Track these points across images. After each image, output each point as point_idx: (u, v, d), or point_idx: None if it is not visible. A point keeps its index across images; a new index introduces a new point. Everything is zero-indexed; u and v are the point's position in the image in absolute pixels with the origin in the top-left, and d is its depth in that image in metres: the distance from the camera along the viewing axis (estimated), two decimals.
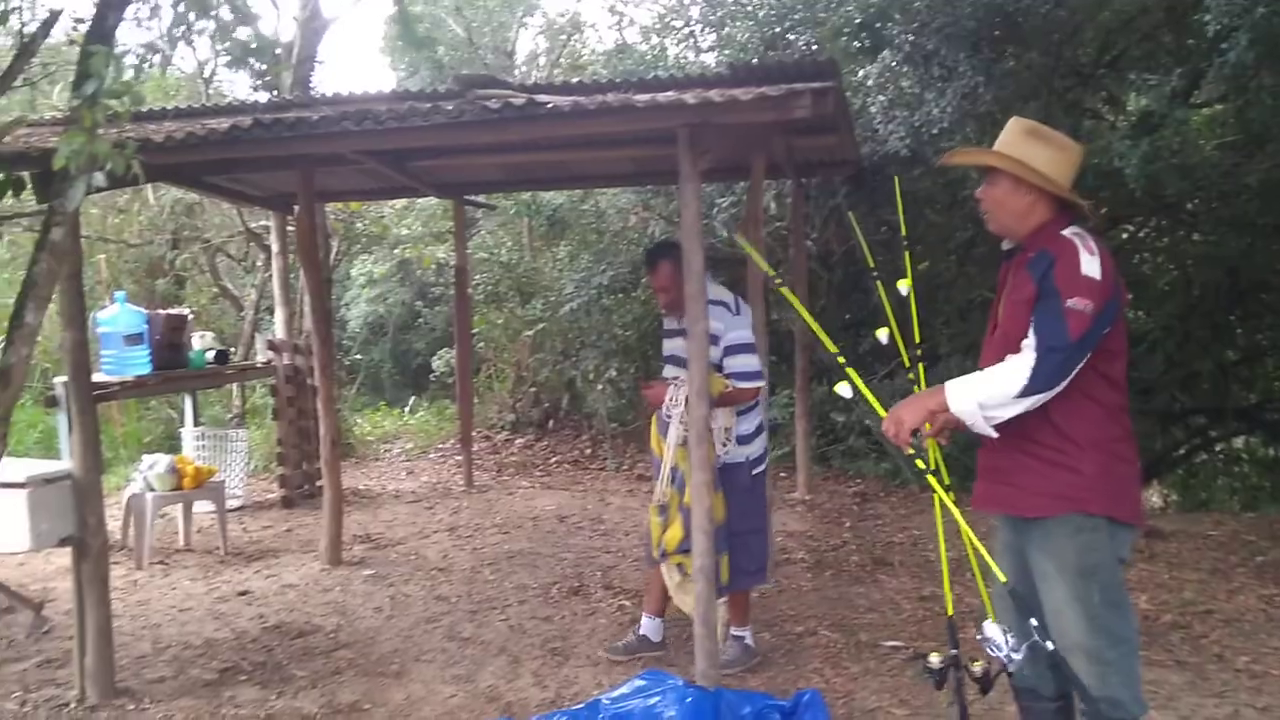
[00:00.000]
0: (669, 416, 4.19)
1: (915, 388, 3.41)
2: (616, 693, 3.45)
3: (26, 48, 3.67)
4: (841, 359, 3.06)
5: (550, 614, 5.29)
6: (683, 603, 4.26)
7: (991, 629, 2.93)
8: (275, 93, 8.05)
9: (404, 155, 6.34)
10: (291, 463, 8.07)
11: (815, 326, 3.17)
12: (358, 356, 14.68)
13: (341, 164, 6.16)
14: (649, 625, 4.58)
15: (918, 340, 3.44)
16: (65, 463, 4.54)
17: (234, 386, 10.18)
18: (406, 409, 13.25)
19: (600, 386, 9.74)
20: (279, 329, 8.53)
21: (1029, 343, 2.81)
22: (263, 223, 10.10)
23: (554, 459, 9.83)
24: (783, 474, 8.22)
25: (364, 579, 6.02)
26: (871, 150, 7.38)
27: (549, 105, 3.74)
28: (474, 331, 10.54)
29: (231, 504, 7.56)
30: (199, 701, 4.30)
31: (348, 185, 7.58)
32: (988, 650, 2.92)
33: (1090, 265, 2.87)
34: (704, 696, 3.36)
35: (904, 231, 3.55)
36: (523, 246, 11.63)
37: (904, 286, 3.42)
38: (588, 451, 9.90)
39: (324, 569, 6.22)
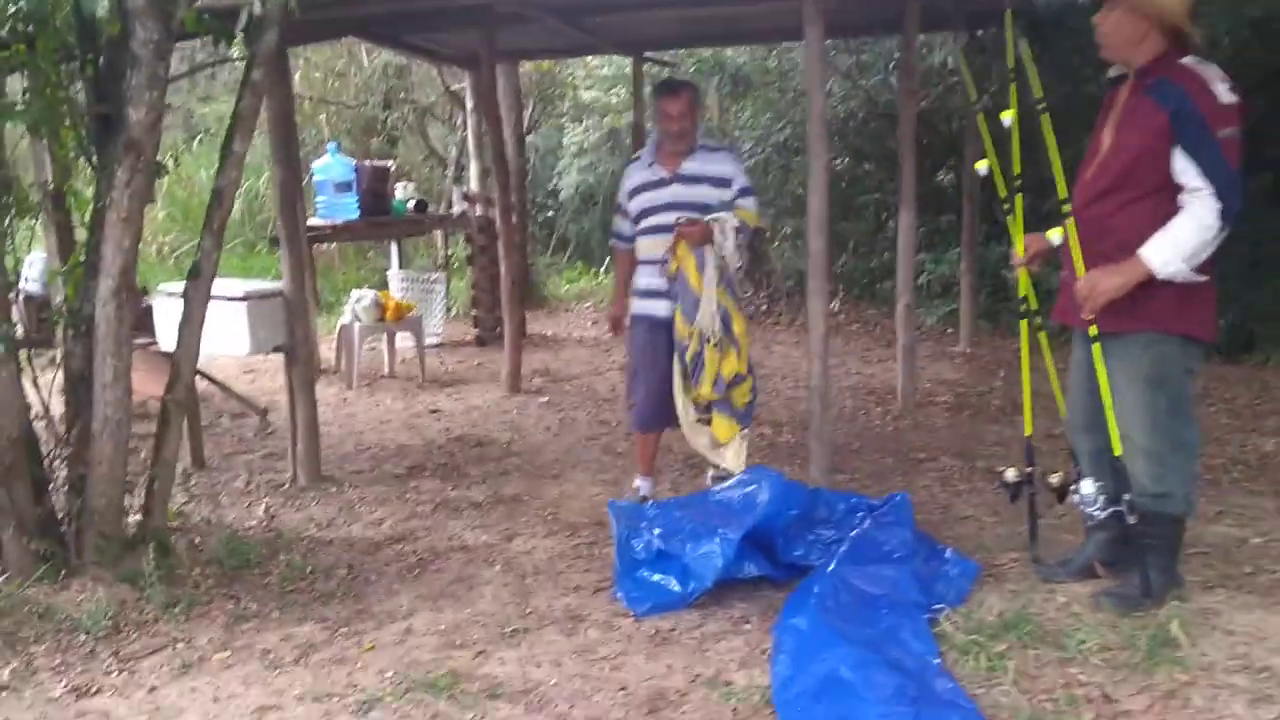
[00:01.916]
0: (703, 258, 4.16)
1: (1009, 218, 3.59)
2: (721, 486, 3.90)
3: None
4: (1066, 207, 3.29)
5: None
6: (722, 459, 4.38)
7: (1088, 486, 3.22)
8: None
9: (578, 10, 6.68)
10: (484, 305, 8.79)
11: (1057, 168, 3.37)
12: (571, 225, 15.22)
13: (522, 21, 6.59)
14: (644, 485, 4.69)
15: (1017, 173, 3.60)
16: (277, 284, 5.30)
17: (439, 238, 11.01)
18: (601, 269, 13.86)
19: (776, 243, 9.98)
20: (473, 182, 9.17)
21: (1199, 184, 2.98)
22: (462, 84, 10.73)
23: None
24: (948, 329, 8.33)
25: (538, 405, 6.67)
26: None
27: None
28: None
29: (431, 341, 8.38)
30: (388, 489, 5.05)
31: (533, 43, 8.00)
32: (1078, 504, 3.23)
33: (1225, 92, 3.00)
34: (797, 485, 3.76)
35: (1010, 64, 3.67)
36: (706, 106, 11.82)
37: (1007, 118, 3.57)
38: (764, 307, 10.22)
39: (504, 395, 6.92)
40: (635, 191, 4.39)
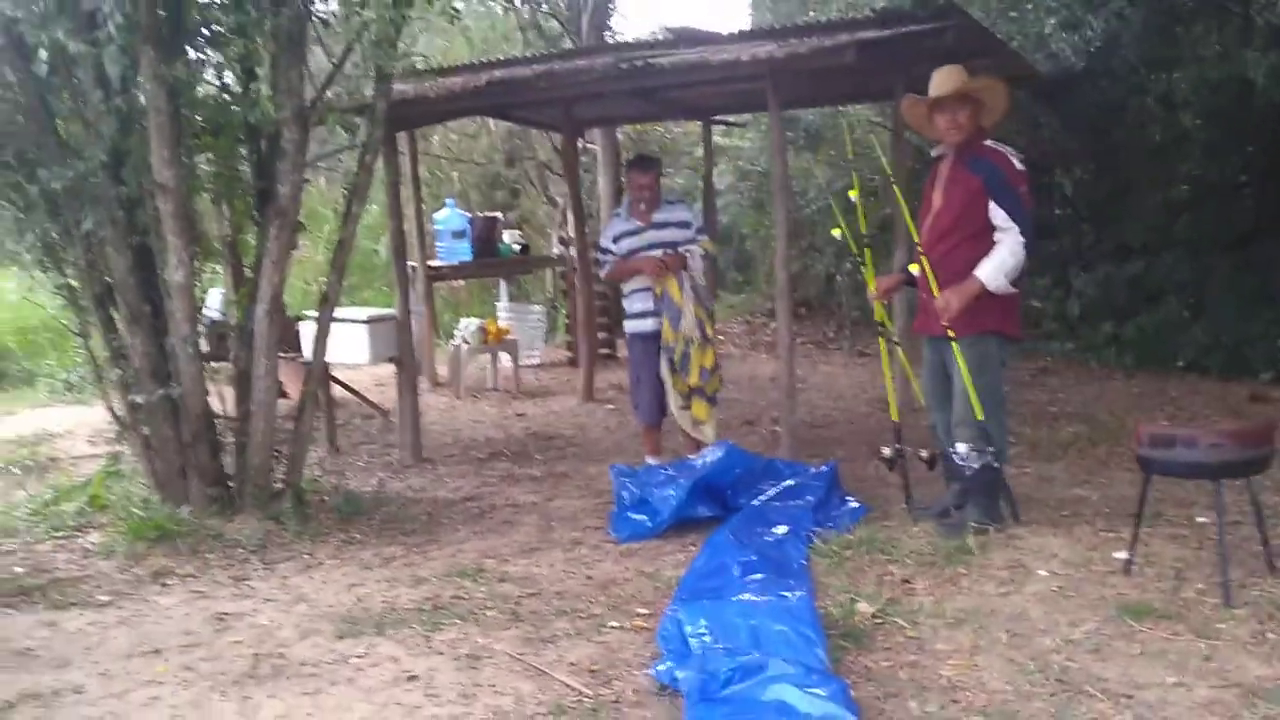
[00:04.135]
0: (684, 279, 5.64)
1: (862, 265, 4.91)
2: (696, 455, 5.24)
3: None
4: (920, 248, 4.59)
5: (727, 435, 7.07)
6: (702, 433, 5.72)
7: (962, 448, 4.40)
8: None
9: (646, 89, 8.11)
10: (576, 331, 10.28)
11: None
12: None
13: (594, 97, 8.07)
14: (653, 462, 5.96)
15: (863, 231, 4.94)
16: (389, 309, 6.92)
17: (548, 274, 12.63)
18: None
19: (839, 278, 11.18)
20: (570, 228, 10.71)
21: (1006, 225, 4.26)
22: (587, 144, 12.31)
23: (800, 339, 11.44)
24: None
25: (605, 411, 8.10)
26: (1054, 66, 8.28)
27: (648, 63, 5.47)
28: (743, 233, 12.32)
29: (530, 361, 9.92)
30: (469, 467, 6.55)
31: (610, 113, 9.48)
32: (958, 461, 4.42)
33: (1019, 162, 4.28)
34: (746, 452, 5.08)
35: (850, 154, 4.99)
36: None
37: (853, 195, 4.89)
38: (831, 334, 11.42)
39: (579, 403, 8.38)
40: (620, 237, 5.85)
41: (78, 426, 7.88)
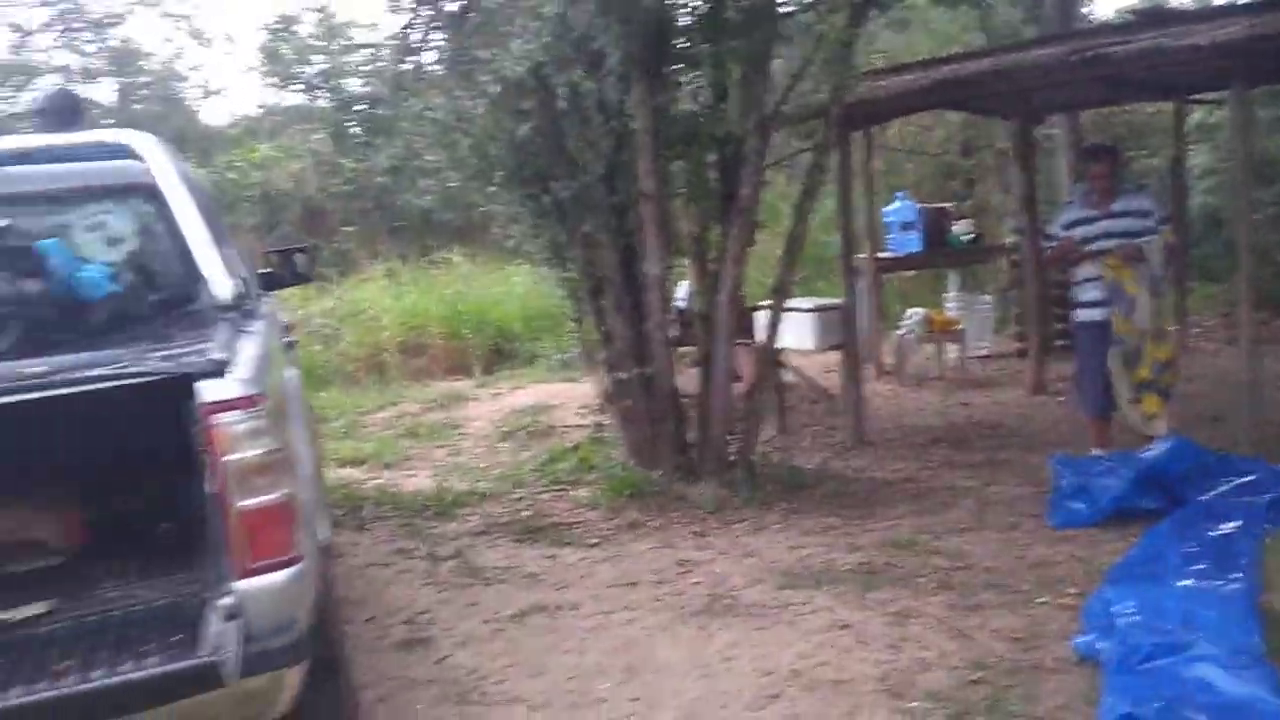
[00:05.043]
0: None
1: None
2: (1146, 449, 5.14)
3: None
4: None
5: (1184, 432, 6.73)
6: (1152, 428, 5.50)
7: None
8: None
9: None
10: (1027, 322, 10.09)
11: None
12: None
13: (1054, 85, 7.93)
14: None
15: None
16: (836, 299, 7.36)
17: (1004, 263, 12.42)
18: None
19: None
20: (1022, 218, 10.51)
21: None
22: (1047, 130, 11.96)
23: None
24: None
25: (1055, 403, 7.96)
26: None
27: (1098, 54, 5.36)
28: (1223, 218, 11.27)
29: (978, 352, 9.90)
30: (909, 451, 6.82)
31: (1071, 98, 9.18)
32: None
33: None
34: (1198, 447, 4.90)
35: None
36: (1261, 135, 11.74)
37: None
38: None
39: (1026, 395, 8.30)
40: (1071, 225, 5.80)
41: (569, 400, 9.14)
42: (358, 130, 18.26)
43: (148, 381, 2.55)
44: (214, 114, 20.69)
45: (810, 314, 7.14)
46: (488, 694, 3.66)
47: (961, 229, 9.91)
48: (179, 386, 2.55)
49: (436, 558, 5.21)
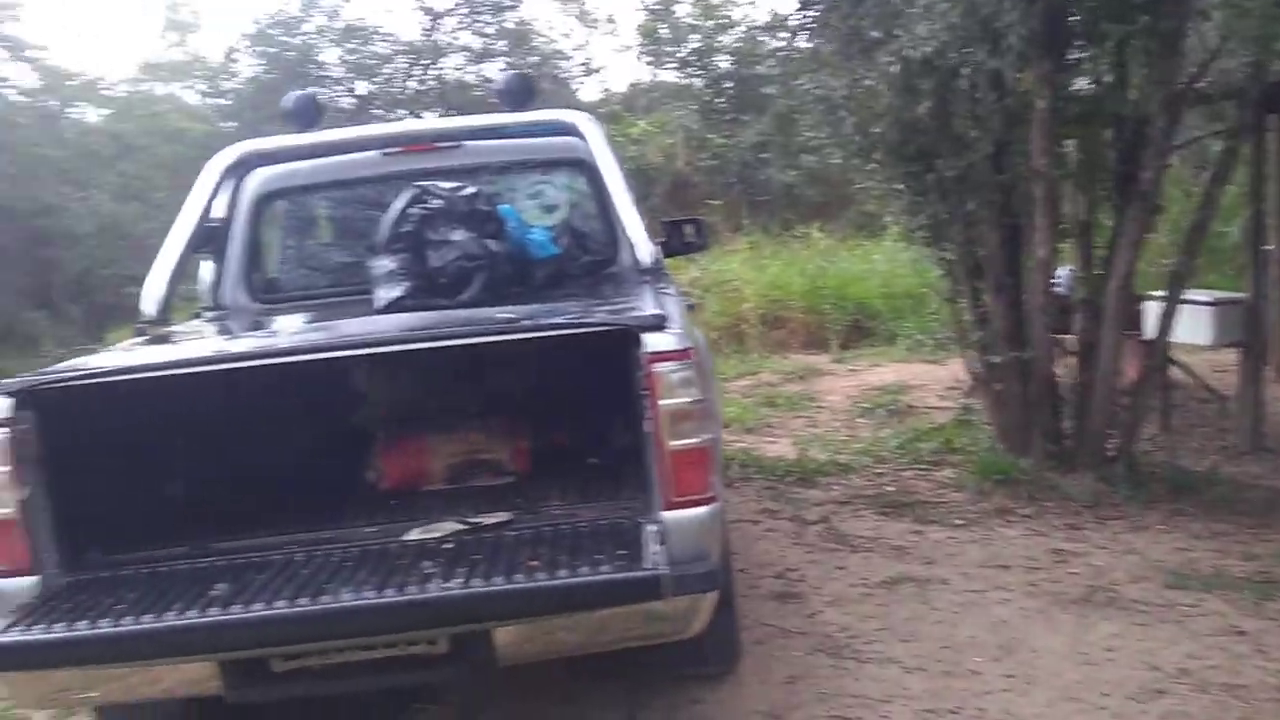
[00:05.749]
0: None
1: None
2: None
3: None
4: None
5: None
6: None
7: None
8: None
9: None
10: None
11: None
12: None
13: None
14: None
15: None
16: (1234, 294, 6.82)
17: None
18: None
19: None
20: None
21: None
22: None
23: None
24: None
25: None
26: None
27: None
28: None
29: None
30: None
31: None
32: None
33: None
34: None
35: None
36: None
37: None
38: None
39: None
40: None
41: (930, 381, 9.06)
42: (725, 106, 18.84)
43: (601, 330, 2.91)
44: (589, 91, 21.77)
45: (1209, 307, 6.67)
46: (860, 652, 3.84)
47: None
48: (625, 337, 2.89)
49: (803, 521, 5.44)
